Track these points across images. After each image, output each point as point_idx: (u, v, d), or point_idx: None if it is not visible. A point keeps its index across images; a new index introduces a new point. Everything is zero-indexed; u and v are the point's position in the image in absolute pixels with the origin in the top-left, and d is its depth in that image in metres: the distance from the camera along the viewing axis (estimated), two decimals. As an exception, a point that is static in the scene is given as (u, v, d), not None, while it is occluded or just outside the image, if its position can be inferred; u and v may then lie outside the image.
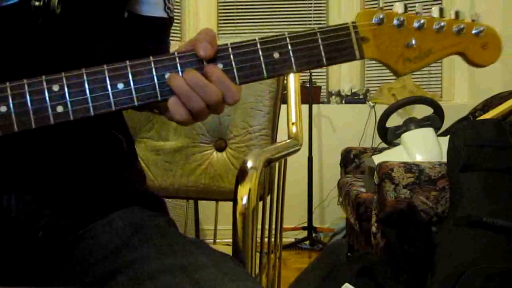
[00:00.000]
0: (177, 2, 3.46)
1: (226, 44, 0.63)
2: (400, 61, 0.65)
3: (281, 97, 1.23)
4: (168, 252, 0.66)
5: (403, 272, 1.65)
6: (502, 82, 3.02)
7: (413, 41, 0.65)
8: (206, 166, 1.23)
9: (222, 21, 3.57)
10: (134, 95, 0.61)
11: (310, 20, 3.59)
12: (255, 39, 0.63)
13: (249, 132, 1.20)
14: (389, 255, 1.73)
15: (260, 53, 0.62)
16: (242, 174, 0.85)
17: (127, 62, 0.61)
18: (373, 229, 1.92)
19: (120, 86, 0.60)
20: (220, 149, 1.23)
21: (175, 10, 3.81)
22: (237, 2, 3.53)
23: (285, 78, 1.23)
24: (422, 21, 0.65)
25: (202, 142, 1.24)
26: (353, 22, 0.65)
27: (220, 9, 3.56)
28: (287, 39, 0.63)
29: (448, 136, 1.96)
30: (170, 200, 2.37)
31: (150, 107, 0.72)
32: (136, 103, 0.61)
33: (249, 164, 0.86)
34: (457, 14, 0.66)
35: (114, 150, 0.79)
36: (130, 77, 0.61)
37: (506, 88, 2.65)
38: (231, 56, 0.62)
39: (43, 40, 0.68)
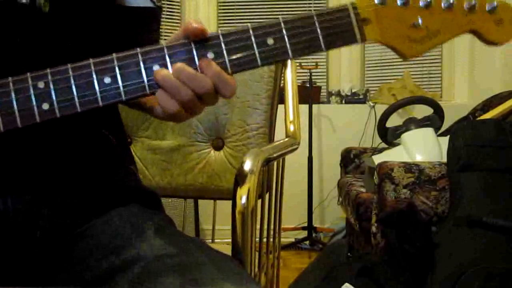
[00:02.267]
0: (177, 2, 3.46)
1: (217, 33, 0.60)
2: (406, 42, 0.61)
3: (279, 96, 1.23)
4: (167, 250, 0.66)
5: (403, 272, 1.64)
6: (502, 82, 3.02)
7: (420, 21, 0.60)
8: (204, 165, 1.22)
9: (222, 21, 3.57)
10: (122, 89, 0.58)
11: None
12: (247, 26, 0.59)
13: (246, 130, 1.20)
14: (389, 255, 1.73)
15: (253, 39, 0.59)
16: (241, 174, 0.84)
17: (114, 55, 0.59)
18: (373, 229, 1.92)
19: (107, 80, 0.58)
20: (218, 148, 1.23)
21: (175, 10, 3.77)
22: (237, 2, 3.53)
23: (283, 76, 1.23)
24: None
25: (200, 141, 1.23)
26: (352, 3, 0.61)
27: (220, 9, 3.56)
28: (282, 24, 0.60)
29: (448, 136, 1.96)
30: (170, 200, 2.36)
31: (141, 107, 0.71)
32: (123, 98, 0.58)
33: (248, 164, 0.85)
34: None
35: (105, 149, 0.78)
36: (117, 71, 0.58)
37: (506, 88, 2.65)
38: (222, 45, 0.59)
39: (29, 38, 0.67)
